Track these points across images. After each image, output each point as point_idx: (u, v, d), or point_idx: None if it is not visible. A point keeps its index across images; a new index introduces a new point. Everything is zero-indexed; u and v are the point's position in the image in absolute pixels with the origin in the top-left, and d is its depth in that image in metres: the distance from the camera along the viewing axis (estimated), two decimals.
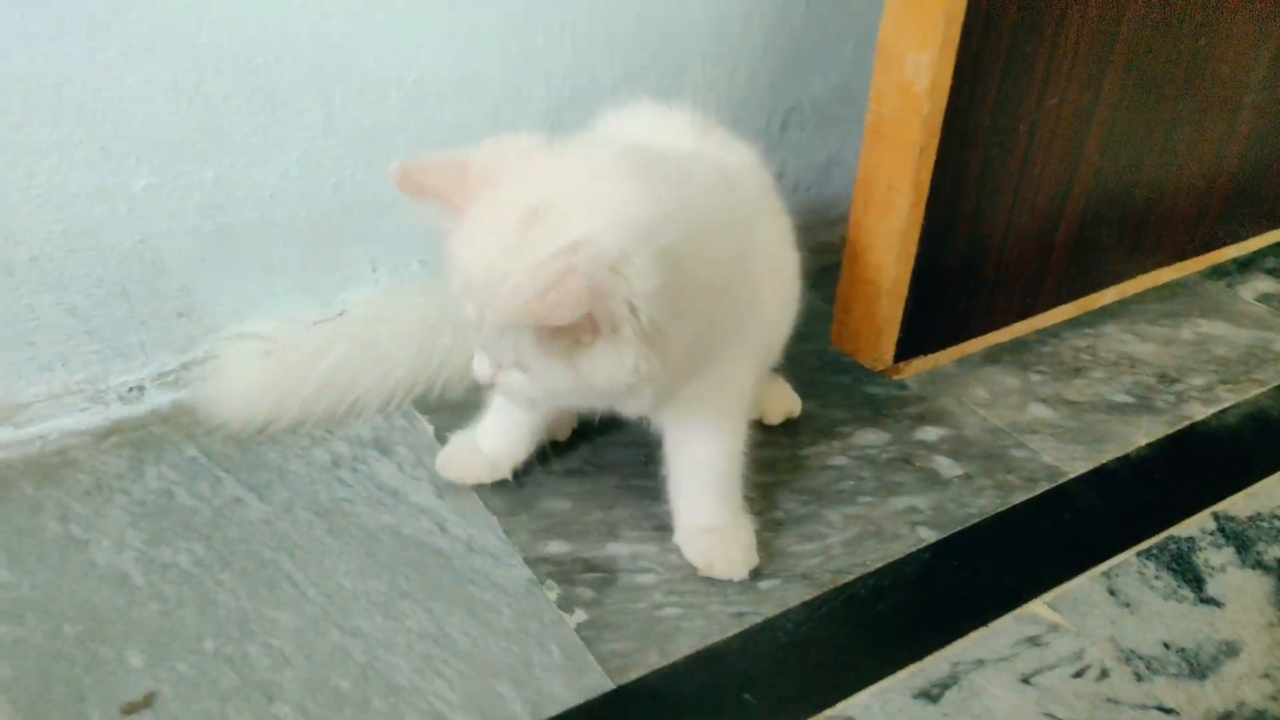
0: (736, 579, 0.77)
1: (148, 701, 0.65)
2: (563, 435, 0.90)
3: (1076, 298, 1.01)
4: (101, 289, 0.85)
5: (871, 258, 0.85)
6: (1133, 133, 0.92)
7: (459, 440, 0.86)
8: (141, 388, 0.90)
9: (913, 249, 0.83)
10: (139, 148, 0.81)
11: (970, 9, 0.72)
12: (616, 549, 0.80)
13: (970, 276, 0.90)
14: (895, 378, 0.94)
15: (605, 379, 0.59)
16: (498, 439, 0.84)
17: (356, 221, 0.94)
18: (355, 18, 0.83)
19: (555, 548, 0.80)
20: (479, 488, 0.85)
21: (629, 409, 0.70)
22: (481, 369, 0.64)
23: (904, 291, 0.85)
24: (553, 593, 0.76)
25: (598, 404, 0.69)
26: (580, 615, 0.74)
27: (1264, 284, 1.20)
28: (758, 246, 0.72)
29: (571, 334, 0.57)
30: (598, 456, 0.90)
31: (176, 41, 0.77)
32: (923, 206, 0.80)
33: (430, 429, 0.92)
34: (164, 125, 0.81)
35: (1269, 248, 1.21)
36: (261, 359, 0.89)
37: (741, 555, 0.77)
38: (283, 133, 0.86)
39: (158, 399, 0.91)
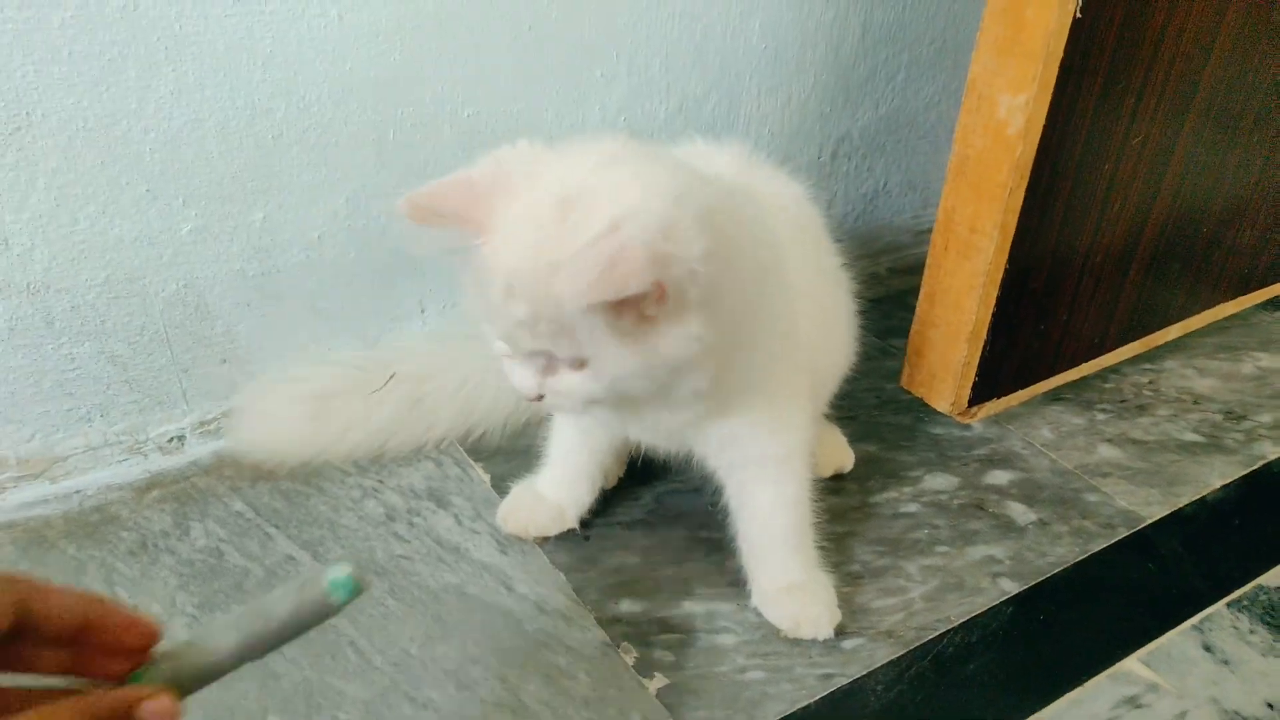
0: (822, 638, 0.74)
1: None
2: (611, 482, 0.86)
3: (1143, 335, 0.99)
4: (144, 336, 0.81)
5: (950, 300, 0.82)
6: (1207, 168, 0.90)
7: (520, 491, 0.82)
8: (182, 437, 0.86)
9: (995, 292, 0.80)
10: (187, 190, 0.77)
11: (1069, 51, 0.69)
12: (692, 607, 0.77)
13: (1046, 317, 0.88)
14: (968, 421, 0.91)
15: (674, 351, 0.57)
16: (560, 486, 0.81)
17: (405, 261, 0.90)
18: (412, 53, 0.80)
19: (628, 607, 0.76)
20: (543, 541, 0.81)
21: (681, 409, 0.66)
22: (525, 381, 0.59)
23: (984, 334, 0.82)
24: (629, 656, 0.72)
25: (655, 397, 0.62)
26: (660, 680, 0.71)
27: None
28: (795, 273, 0.70)
29: (637, 308, 0.54)
30: (662, 506, 0.86)
31: (229, 80, 0.74)
32: (1007, 248, 0.77)
33: (486, 478, 0.88)
34: (213, 166, 0.77)
35: None
36: (310, 420, 0.86)
37: (826, 613, 0.74)
38: (333, 172, 0.82)
39: (199, 449, 0.87)
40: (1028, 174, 0.74)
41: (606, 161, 0.57)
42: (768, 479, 0.73)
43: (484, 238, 0.56)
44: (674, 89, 0.96)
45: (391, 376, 0.87)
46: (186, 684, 0.38)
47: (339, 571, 0.39)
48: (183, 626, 0.72)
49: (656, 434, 0.73)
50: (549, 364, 0.58)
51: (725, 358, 0.62)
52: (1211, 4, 0.77)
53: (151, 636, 0.38)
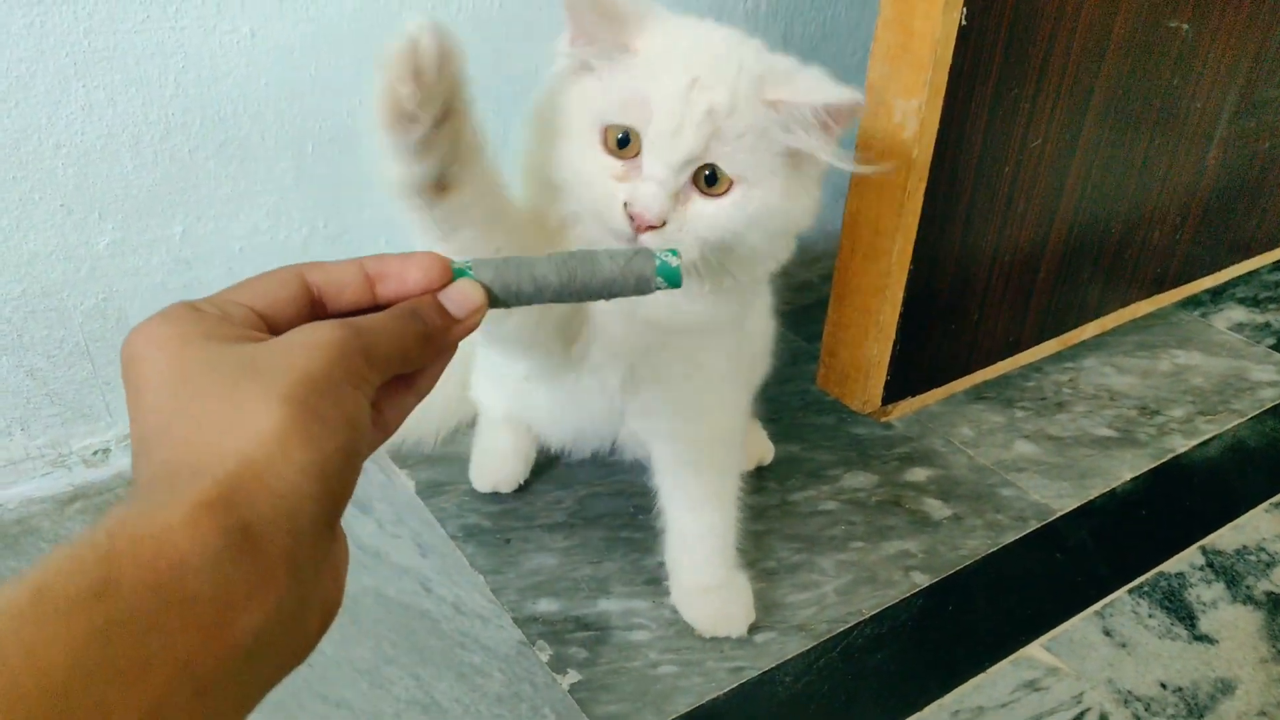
0: (735, 636, 0.76)
1: None
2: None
3: (1058, 333, 1.02)
4: (64, 350, 0.82)
5: (858, 300, 0.84)
6: (1110, 169, 0.93)
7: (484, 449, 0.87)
8: (107, 450, 0.87)
9: (900, 292, 0.82)
10: (102, 204, 0.78)
11: (957, 55, 0.72)
12: (608, 605, 0.78)
13: (956, 316, 0.90)
14: (883, 420, 0.94)
15: (806, 206, 0.58)
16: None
17: None
18: (328, 68, 0.82)
19: (545, 606, 0.78)
20: (460, 545, 0.83)
21: (693, 359, 0.67)
22: (654, 199, 0.52)
23: (892, 334, 0.85)
24: (544, 654, 0.74)
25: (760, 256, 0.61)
26: (574, 676, 0.72)
27: (1236, 313, 1.22)
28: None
29: (828, 132, 0.55)
30: (583, 509, 0.88)
31: (141, 95, 0.75)
32: (910, 250, 0.80)
33: (411, 484, 0.89)
34: (128, 181, 0.78)
35: (1239, 277, 1.23)
36: None
37: (741, 612, 0.76)
38: (252, 185, 0.83)
39: (124, 461, 0.87)
40: (925, 176, 0.77)
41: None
42: (708, 499, 0.76)
43: (644, 36, 0.53)
44: None
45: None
46: (497, 291, 0.36)
47: (671, 260, 0.37)
48: None
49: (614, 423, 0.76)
50: (684, 191, 0.54)
51: (775, 247, 0.61)
52: (1099, 12, 0.80)
53: (434, 264, 0.34)
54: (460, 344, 0.36)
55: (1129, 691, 0.73)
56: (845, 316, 0.86)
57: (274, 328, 0.31)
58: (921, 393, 0.93)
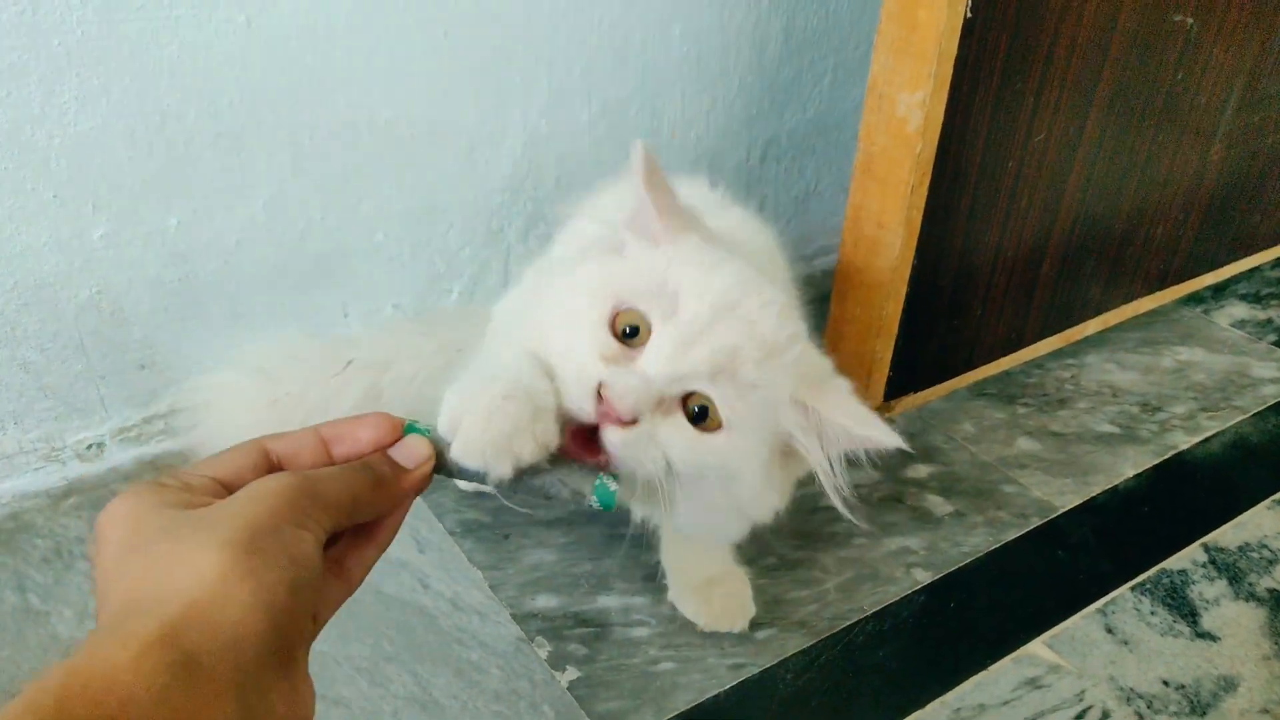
0: (736, 631, 0.75)
1: None
2: None
3: (1061, 330, 1.01)
4: (57, 343, 0.81)
5: (861, 296, 0.84)
6: (1114, 165, 0.92)
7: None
8: (101, 444, 0.86)
9: (903, 287, 0.82)
10: (96, 196, 0.77)
11: (962, 49, 0.71)
12: (607, 602, 0.77)
13: (959, 312, 0.89)
14: (885, 416, 0.93)
15: (769, 503, 0.56)
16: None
17: (327, 267, 0.90)
18: (325, 58, 0.81)
19: (544, 602, 0.77)
20: (459, 541, 0.82)
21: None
22: (631, 393, 0.46)
23: (894, 330, 0.84)
24: (543, 650, 0.73)
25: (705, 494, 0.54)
26: (572, 673, 0.71)
27: (1238, 310, 1.22)
28: None
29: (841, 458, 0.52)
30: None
31: (135, 85, 0.74)
32: (914, 245, 0.79)
33: None
34: (122, 172, 0.77)
35: (1242, 274, 1.23)
36: (267, 407, 0.84)
37: (740, 607, 0.76)
38: (249, 177, 0.82)
39: (119, 456, 0.87)
40: (930, 170, 0.76)
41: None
42: None
43: (665, 248, 0.52)
44: (595, 94, 0.97)
45: (349, 363, 0.86)
46: (442, 450, 0.40)
47: (610, 484, 0.41)
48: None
49: None
50: (668, 404, 0.49)
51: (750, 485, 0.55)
52: (1104, 6, 0.79)
53: (383, 422, 0.38)
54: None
55: (1131, 689, 0.73)
56: (847, 312, 0.86)
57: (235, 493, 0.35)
58: (924, 389, 0.93)
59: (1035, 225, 0.89)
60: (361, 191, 0.88)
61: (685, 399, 0.49)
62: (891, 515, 0.88)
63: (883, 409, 0.91)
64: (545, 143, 0.96)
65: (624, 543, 0.83)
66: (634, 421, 0.47)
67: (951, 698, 0.72)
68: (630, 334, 0.49)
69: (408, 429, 0.39)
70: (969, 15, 0.71)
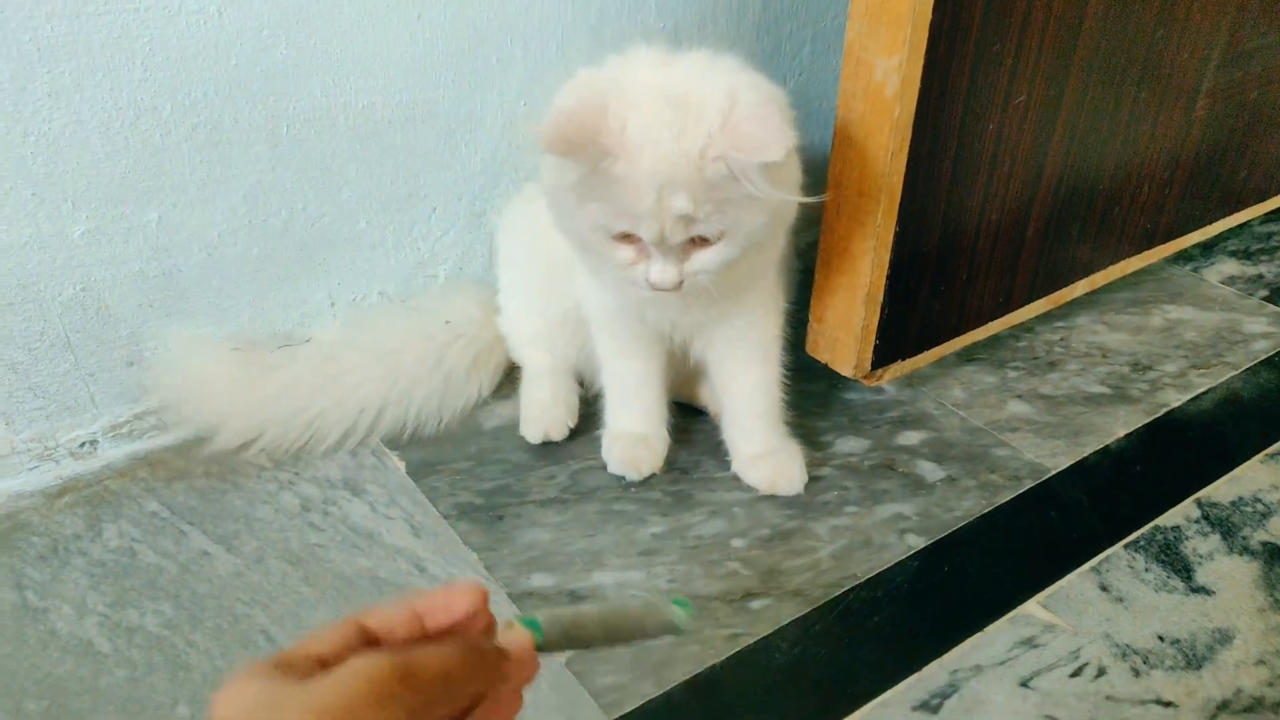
0: (792, 493, 0.85)
1: None
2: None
3: (1048, 292, 1.01)
4: (44, 342, 0.81)
5: (845, 264, 0.83)
6: (1096, 125, 0.92)
7: (610, 436, 0.88)
8: (94, 442, 0.86)
9: (886, 254, 0.81)
10: (74, 192, 0.77)
11: (937, 12, 0.70)
12: (602, 577, 0.78)
13: (944, 278, 0.89)
14: (873, 384, 0.93)
15: (783, 208, 0.69)
16: (643, 419, 0.88)
17: (311, 256, 0.90)
18: (299, 46, 0.80)
19: (539, 580, 0.77)
20: (454, 524, 0.82)
21: (727, 296, 0.77)
22: (667, 273, 0.68)
23: (880, 297, 0.84)
24: None
25: (730, 276, 0.73)
26: (570, 651, 0.72)
27: (1228, 266, 1.21)
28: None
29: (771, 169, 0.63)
30: (576, 484, 0.87)
31: (108, 80, 0.74)
32: (895, 211, 0.79)
33: (402, 465, 0.89)
34: (100, 168, 0.77)
35: (1230, 231, 1.22)
36: (228, 356, 0.88)
37: (798, 472, 0.85)
38: (228, 169, 0.82)
39: (112, 452, 0.87)
40: (909, 135, 0.76)
41: (672, 61, 0.67)
42: (754, 361, 0.84)
43: (615, 157, 0.62)
44: (572, 71, 0.96)
45: (309, 340, 0.92)
46: (550, 635, 0.43)
47: (681, 611, 0.46)
48: (94, 625, 0.72)
49: (683, 331, 0.83)
50: (684, 253, 0.68)
51: (775, 233, 0.74)
52: None
53: (474, 591, 0.40)
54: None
55: (1127, 645, 0.73)
56: (832, 281, 0.86)
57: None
58: (912, 356, 0.93)
59: (1018, 188, 0.89)
60: (341, 179, 0.88)
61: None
62: (883, 482, 0.88)
63: (870, 377, 0.91)
64: (523, 122, 0.96)
65: (618, 519, 0.83)
66: (680, 285, 0.69)
67: (948, 659, 0.72)
68: (630, 235, 0.67)
69: (525, 622, 0.42)
70: None
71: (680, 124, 0.62)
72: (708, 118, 0.62)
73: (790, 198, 0.69)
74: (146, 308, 0.84)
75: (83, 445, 0.86)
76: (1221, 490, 0.88)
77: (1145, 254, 1.10)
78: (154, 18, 0.73)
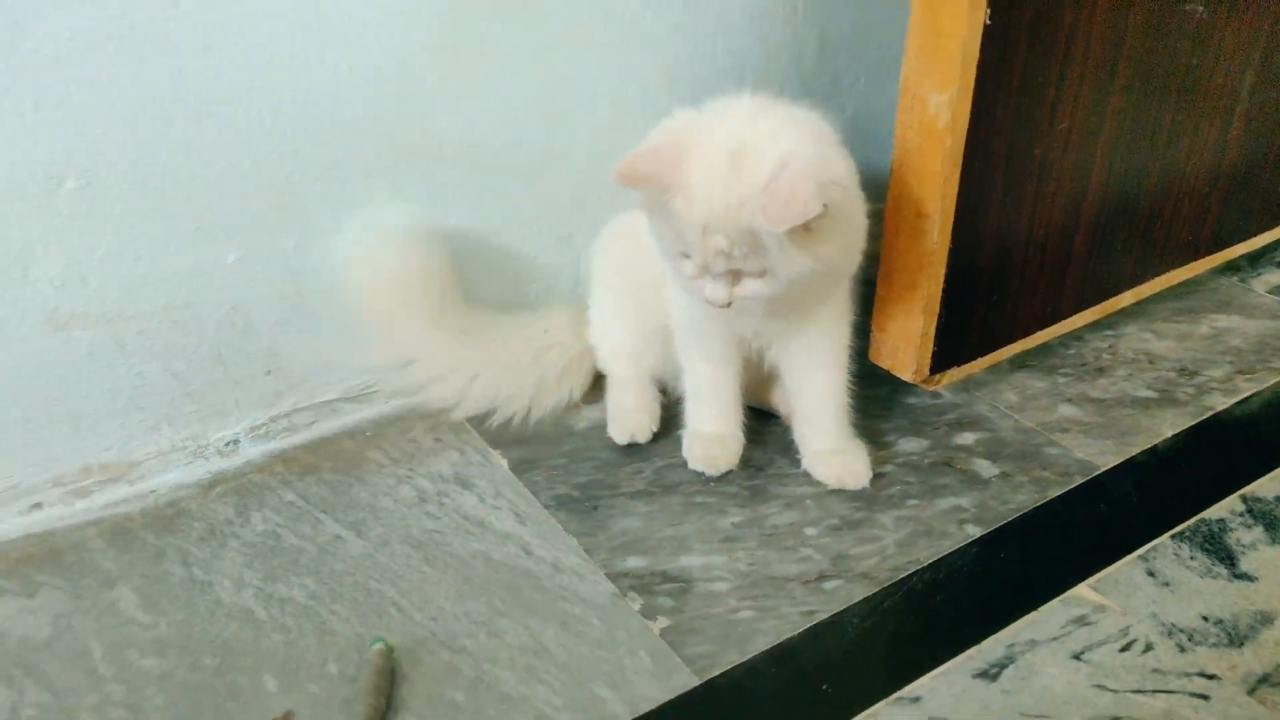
0: (858, 488, 0.93)
1: (288, 718, 0.72)
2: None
3: (1095, 303, 1.08)
4: (200, 354, 0.93)
5: (905, 278, 0.92)
6: (1136, 146, 0.99)
7: (694, 437, 0.97)
8: (237, 441, 0.98)
9: (942, 269, 0.90)
10: (229, 225, 0.89)
11: (984, 51, 0.79)
12: (689, 561, 0.87)
13: (996, 290, 0.97)
14: (932, 388, 1.01)
15: (830, 253, 0.77)
16: (720, 418, 0.97)
17: None
18: (405, 96, 0.92)
19: (633, 563, 0.87)
20: (554, 513, 0.92)
21: (795, 312, 0.88)
22: (718, 292, 0.78)
23: (936, 308, 0.92)
24: (635, 604, 0.83)
25: (794, 298, 0.82)
26: (663, 622, 0.81)
27: (1275, 277, 1.26)
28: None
29: (806, 225, 0.72)
30: (661, 478, 0.97)
31: (258, 126, 0.86)
32: (949, 230, 0.87)
33: (504, 462, 0.99)
34: (249, 202, 0.89)
35: (1276, 242, 1.27)
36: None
37: (864, 469, 0.94)
38: (351, 201, 0.94)
39: (251, 450, 0.99)
40: (960, 161, 0.85)
41: (755, 115, 0.77)
42: (825, 366, 0.93)
43: (675, 193, 0.74)
44: (652, 111, 1.06)
45: (546, 332, 1.06)
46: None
47: (377, 640, 0.65)
48: (251, 596, 0.83)
49: (761, 338, 0.92)
50: (735, 277, 0.78)
51: (839, 264, 0.83)
52: (1116, 2, 0.87)
53: None
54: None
55: (1173, 624, 0.79)
56: (893, 293, 0.94)
57: None
58: (967, 362, 1.00)
59: (1064, 206, 0.97)
60: (450, 211, 0.99)
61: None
62: (942, 478, 0.96)
63: (928, 382, 0.99)
64: (607, 156, 1.06)
65: (700, 510, 0.92)
66: (730, 303, 0.79)
67: (1005, 634, 0.79)
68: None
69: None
70: (988, 22, 0.79)
71: (733, 177, 0.73)
72: (755, 179, 0.72)
73: (802, 260, 0.76)
74: (283, 324, 0.96)
75: (228, 444, 0.98)
76: (1266, 486, 0.93)
77: (1190, 265, 1.16)
78: (296, 68, 0.85)
